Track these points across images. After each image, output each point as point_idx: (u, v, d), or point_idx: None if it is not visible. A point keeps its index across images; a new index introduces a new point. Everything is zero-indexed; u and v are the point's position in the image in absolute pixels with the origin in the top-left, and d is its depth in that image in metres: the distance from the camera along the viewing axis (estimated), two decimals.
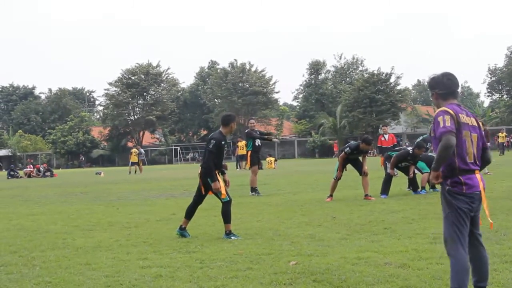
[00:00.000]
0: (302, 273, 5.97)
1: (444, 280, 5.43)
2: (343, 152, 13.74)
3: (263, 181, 17.61)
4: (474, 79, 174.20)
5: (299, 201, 13.72)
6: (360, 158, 13.84)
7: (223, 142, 8.61)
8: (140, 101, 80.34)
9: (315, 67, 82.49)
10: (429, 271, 5.87)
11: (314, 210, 11.72)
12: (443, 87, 4.69)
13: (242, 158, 35.49)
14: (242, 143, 35.16)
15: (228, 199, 8.49)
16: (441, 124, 4.45)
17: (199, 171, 8.69)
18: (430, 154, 15.07)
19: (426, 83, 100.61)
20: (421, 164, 14.72)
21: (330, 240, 7.92)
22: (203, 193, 8.75)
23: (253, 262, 6.63)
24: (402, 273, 5.82)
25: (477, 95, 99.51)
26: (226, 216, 8.49)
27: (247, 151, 16.56)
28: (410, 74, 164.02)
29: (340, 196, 14.06)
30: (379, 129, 63.22)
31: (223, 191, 8.46)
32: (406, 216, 10.00)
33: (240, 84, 74.57)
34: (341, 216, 10.43)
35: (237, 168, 36.99)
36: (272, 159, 39.86)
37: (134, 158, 39.21)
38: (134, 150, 39.98)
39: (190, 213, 8.83)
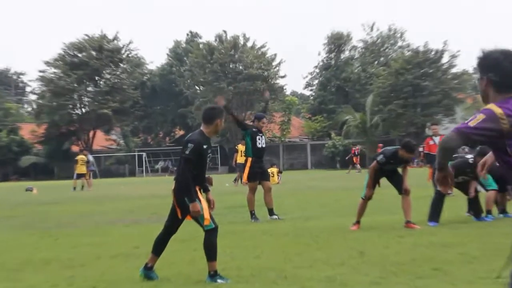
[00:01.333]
0: None
1: None
2: (375, 162, 13.73)
3: (262, 201, 17.52)
4: None
5: (312, 229, 13.70)
6: (400, 169, 13.83)
7: (205, 146, 8.58)
8: (91, 88, 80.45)
9: (337, 42, 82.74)
10: None
11: (334, 242, 11.70)
12: (502, 72, 4.35)
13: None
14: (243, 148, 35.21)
15: (213, 226, 8.44)
16: (467, 121, 4.26)
17: (173, 187, 8.64)
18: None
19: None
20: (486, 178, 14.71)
21: (356, 285, 7.90)
22: (178, 217, 8.69)
23: None
24: None
25: None
26: (211, 250, 8.44)
27: (246, 158, 16.77)
28: (470, 51, 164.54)
29: (371, 223, 14.04)
30: (427, 129, 63.48)
31: (206, 215, 8.41)
32: (465, 253, 9.97)
33: (231, 66, 74.90)
34: (372, 252, 10.39)
35: (235, 182, 36.89)
36: (275, 170, 39.76)
37: (81, 169, 39.07)
38: (80, 157, 39.91)
39: (159, 246, 8.78)
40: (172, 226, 8.79)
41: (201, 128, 8.85)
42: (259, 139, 16.54)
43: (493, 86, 4.35)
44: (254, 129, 16.68)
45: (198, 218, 8.42)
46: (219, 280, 8.31)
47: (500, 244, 10.59)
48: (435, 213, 14.03)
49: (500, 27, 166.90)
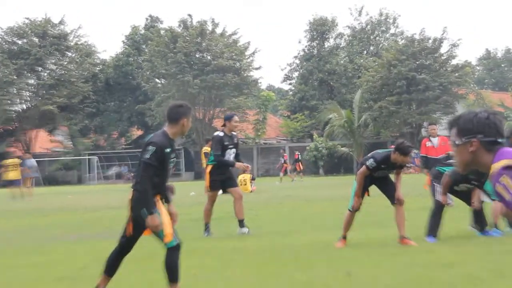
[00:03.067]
0: None
1: None
2: (364, 167, 13.70)
3: (233, 213, 17.49)
4: None
5: (292, 246, 13.70)
6: (392, 176, 13.85)
7: (168, 150, 8.52)
8: (32, 81, 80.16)
9: (320, 29, 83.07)
10: None
11: (317, 261, 11.69)
12: (493, 130, 4.55)
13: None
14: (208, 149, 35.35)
15: (176, 243, 8.39)
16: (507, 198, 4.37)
17: (130, 197, 8.57)
18: None
19: (497, 55, 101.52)
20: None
21: None
22: (134, 233, 8.62)
23: None
24: None
25: None
26: (172, 271, 8.40)
27: (206, 165, 16.92)
28: (472, 40, 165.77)
29: (360, 239, 14.09)
30: (423, 129, 63.83)
31: (168, 231, 8.35)
32: (468, 273, 9.96)
33: (197, 55, 74.89)
34: (360, 272, 10.39)
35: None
36: (247, 176, 39.66)
37: (13, 174, 38.58)
38: (11, 161, 39.53)
39: (112, 265, 8.73)
40: (127, 242, 8.72)
41: (164, 128, 8.78)
42: (228, 153, 16.46)
43: (484, 147, 4.51)
44: (225, 143, 16.45)
45: (157, 233, 8.37)
46: None
47: (508, 263, 10.64)
48: (433, 227, 14.04)
49: (502, 10, 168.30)
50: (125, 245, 8.73)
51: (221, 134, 16.57)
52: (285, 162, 55.09)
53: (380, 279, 9.79)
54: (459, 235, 14.51)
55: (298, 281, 9.84)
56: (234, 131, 16.97)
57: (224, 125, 17.13)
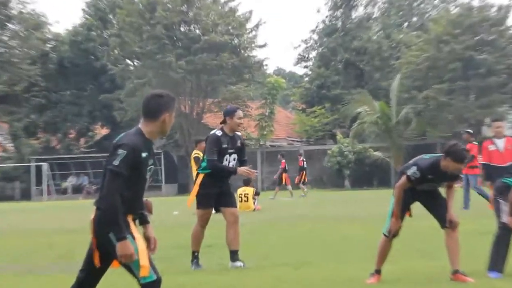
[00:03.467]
0: None
1: None
2: (405, 177, 13.68)
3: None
4: None
5: (306, 281, 13.76)
6: (442, 190, 13.83)
7: (144, 155, 8.50)
8: None
9: None
10: None
11: None
12: None
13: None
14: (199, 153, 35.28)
15: (154, 278, 8.40)
16: None
17: (92, 217, 8.57)
18: None
19: None
20: None
21: None
22: (98, 264, 8.65)
23: None
24: None
25: None
26: None
27: (197, 174, 16.61)
28: None
29: (399, 273, 14.14)
30: (485, 128, 63.75)
31: (144, 262, 8.35)
32: None
33: (182, 29, 74.86)
34: None
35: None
36: (250, 191, 39.71)
37: None
38: None
39: None
40: (89, 277, 8.70)
41: (139, 125, 8.68)
42: (227, 159, 16.20)
43: None
44: (224, 146, 16.14)
45: (130, 265, 8.33)
46: None
47: None
48: (498, 259, 13.92)
49: None
50: (87, 281, 8.70)
51: (219, 133, 16.23)
52: (285, 170, 54.96)
53: None
54: None
55: None
56: (238, 131, 16.76)
57: (223, 122, 16.58)
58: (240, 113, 16.91)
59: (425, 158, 13.84)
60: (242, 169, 16.42)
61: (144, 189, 8.64)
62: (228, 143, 16.22)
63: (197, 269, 15.83)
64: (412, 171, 13.50)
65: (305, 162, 56.72)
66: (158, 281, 8.38)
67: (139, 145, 8.41)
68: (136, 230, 8.45)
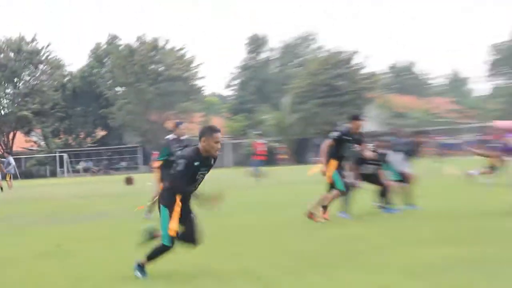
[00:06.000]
0: None
1: None
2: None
3: None
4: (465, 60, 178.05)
5: (233, 226, 13.60)
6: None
7: (196, 163, 8.16)
8: (9, 90, 78.67)
9: (255, 44, 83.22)
10: None
11: (253, 236, 11.77)
12: None
13: None
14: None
15: (169, 245, 8.07)
16: None
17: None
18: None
19: (401, 67, 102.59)
20: (389, 167, 15.07)
21: (271, 277, 7.96)
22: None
23: None
24: None
25: (464, 82, 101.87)
26: (156, 253, 8.24)
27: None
28: (381, 54, 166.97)
29: (291, 218, 14.16)
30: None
31: (172, 226, 8.00)
32: (375, 244, 10.14)
33: (151, 67, 74.18)
34: (290, 245, 10.54)
35: None
36: None
37: None
38: None
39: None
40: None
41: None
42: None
43: None
44: (177, 146, 14.99)
45: (161, 226, 8.09)
46: (138, 274, 8.15)
47: (406, 234, 10.90)
48: (345, 205, 13.96)
49: (409, 29, 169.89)
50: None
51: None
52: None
53: (304, 250, 9.84)
54: (368, 212, 14.56)
55: (235, 253, 9.76)
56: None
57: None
58: (181, 126, 15.72)
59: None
60: None
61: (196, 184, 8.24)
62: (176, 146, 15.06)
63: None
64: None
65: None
66: (169, 248, 8.08)
67: (193, 157, 8.14)
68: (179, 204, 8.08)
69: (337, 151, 13.50)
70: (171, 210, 7.95)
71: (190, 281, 7.92)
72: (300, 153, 67.23)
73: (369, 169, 14.75)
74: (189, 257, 9.18)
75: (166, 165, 14.57)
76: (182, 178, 8.05)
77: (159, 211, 8.12)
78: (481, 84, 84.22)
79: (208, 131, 8.23)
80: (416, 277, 7.50)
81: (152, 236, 8.64)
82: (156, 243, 8.22)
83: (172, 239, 7.95)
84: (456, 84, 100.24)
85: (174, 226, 7.87)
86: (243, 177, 35.03)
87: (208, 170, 8.34)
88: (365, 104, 67.79)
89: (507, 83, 75.37)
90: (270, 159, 52.88)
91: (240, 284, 7.65)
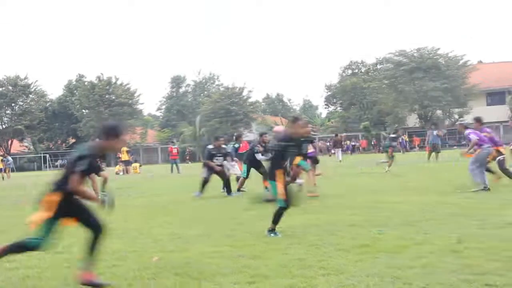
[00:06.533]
0: (164, 268, 5.91)
1: (288, 267, 5.64)
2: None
3: (128, 185, 17.03)
4: (315, 93, 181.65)
5: (161, 202, 13.35)
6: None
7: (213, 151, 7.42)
8: (8, 111, 75.67)
9: (176, 81, 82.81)
10: (277, 260, 6.02)
11: (176, 210, 11.55)
12: None
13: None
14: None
15: (285, 205, 7.37)
16: None
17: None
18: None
19: (273, 96, 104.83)
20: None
21: (189, 237, 7.83)
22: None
23: (119, 259, 6.48)
24: (254, 263, 5.92)
25: (316, 107, 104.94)
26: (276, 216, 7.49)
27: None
28: (259, 88, 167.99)
29: (208, 195, 13.93)
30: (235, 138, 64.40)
31: (280, 191, 7.33)
32: (259, 214, 9.93)
33: (106, 96, 72.24)
34: (203, 216, 10.38)
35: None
36: (137, 164, 39.03)
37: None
38: None
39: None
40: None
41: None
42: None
43: None
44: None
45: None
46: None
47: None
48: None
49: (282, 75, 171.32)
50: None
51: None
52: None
53: (211, 217, 9.70)
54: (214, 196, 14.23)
55: (164, 221, 9.57)
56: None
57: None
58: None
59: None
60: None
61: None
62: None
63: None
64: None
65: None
66: (285, 209, 7.38)
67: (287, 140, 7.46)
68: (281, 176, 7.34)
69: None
70: (277, 182, 7.33)
71: (134, 240, 7.57)
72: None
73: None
74: (134, 225, 8.86)
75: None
76: (277, 158, 7.45)
77: (270, 185, 7.49)
78: (323, 109, 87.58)
79: (295, 120, 7.63)
80: (288, 235, 7.51)
81: (266, 199, 8.02)
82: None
83: (285, 201, 7.37)
84: (309, 109, 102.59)
85: (282, 191, 7.31)
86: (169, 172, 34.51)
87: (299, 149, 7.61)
88: (250, 122, 68.64)
89: (338, 110, 77.77)
90: (181, 158, 52.35)
91: (169, 241, 7.40)
